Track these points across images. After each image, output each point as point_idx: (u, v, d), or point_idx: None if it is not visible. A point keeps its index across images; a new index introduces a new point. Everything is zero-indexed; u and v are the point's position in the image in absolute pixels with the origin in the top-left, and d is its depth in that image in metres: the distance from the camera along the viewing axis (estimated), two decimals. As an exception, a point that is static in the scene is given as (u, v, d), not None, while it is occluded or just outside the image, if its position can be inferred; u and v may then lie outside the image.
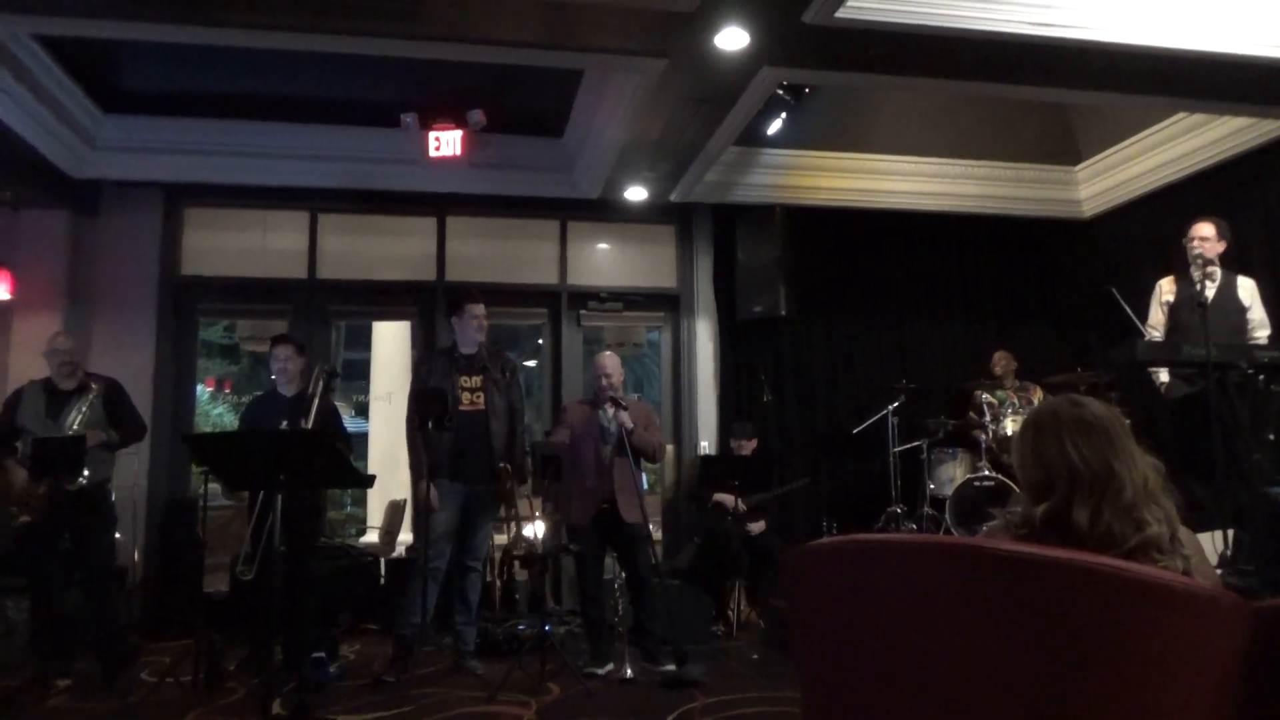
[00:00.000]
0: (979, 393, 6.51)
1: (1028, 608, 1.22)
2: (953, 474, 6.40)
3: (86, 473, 4.46)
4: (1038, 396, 6.38)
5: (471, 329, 4.92)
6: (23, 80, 5.36)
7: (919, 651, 1.35)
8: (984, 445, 6.23)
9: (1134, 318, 4.93)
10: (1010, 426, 6.14)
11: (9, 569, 4.71)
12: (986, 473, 6.06)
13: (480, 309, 4.95)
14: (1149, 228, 6.75)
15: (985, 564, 1.28)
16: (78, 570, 4.54)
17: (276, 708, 3.55)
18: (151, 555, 6.18)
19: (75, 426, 4.55)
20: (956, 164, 7.35)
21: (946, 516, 6.00)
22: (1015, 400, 6.38)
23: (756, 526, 5.95)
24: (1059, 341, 7.41)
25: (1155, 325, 4.93)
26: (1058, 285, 7.68)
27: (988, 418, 6.33)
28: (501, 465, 4.79)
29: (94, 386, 4.69)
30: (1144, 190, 6.97)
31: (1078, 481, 1.62)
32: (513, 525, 6.00)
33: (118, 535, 5.06)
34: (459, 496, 4.74)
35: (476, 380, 4.88)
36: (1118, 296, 4.89)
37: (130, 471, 5.74)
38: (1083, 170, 7.55)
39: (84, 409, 4.60)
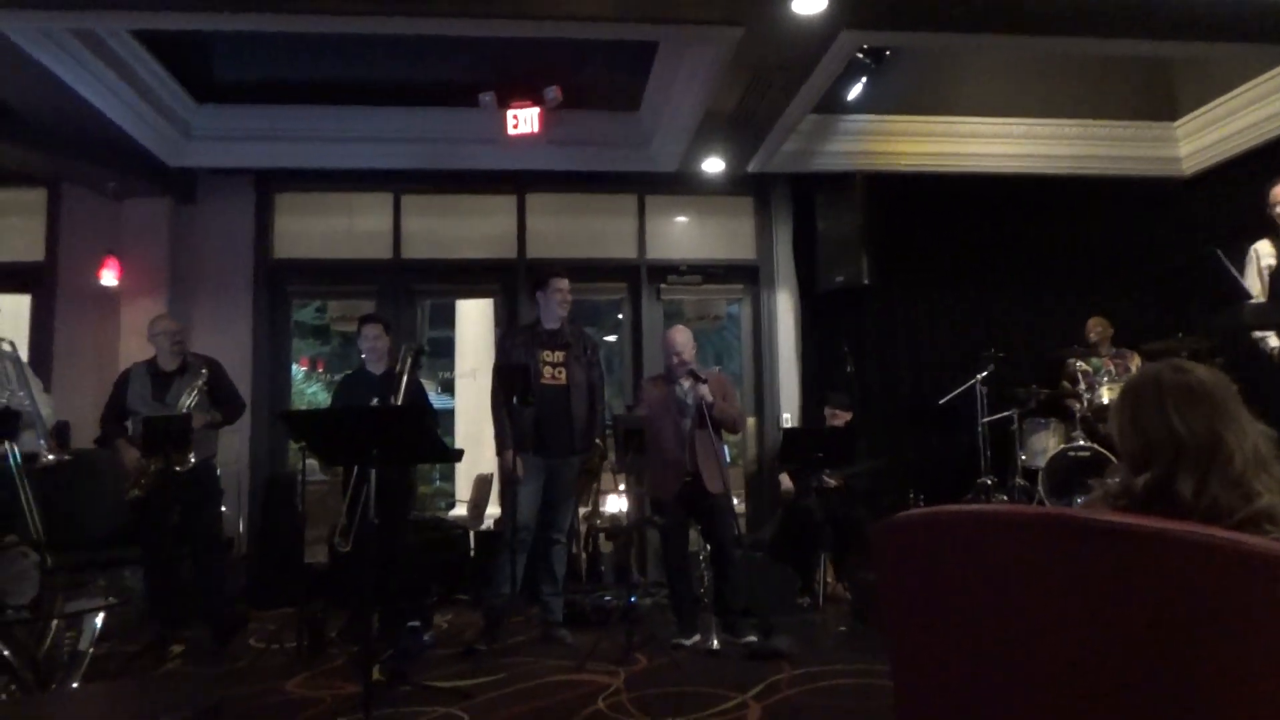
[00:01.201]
0: (1073, 361, 6.31)
1: (1132, 582, 1.18)
2: (1045, 444, 6.23)
3: (193, 458, 4.68)
4: (1135, 364, 6.15)
5: (555, 303, 4.97)
6: (122, 75, 5.61)
7: (1014, 625, 1.33)
8: (1078, 415, 6.04)
9: (1239, 280, 4.69)
10: (1106, 395, 5.94)
11: (125, 541, 4.97)
12: (1081, 443, 5.88)
13: (564, 284, 5.00)
14: (1254, 185, 6.39)
15: (1086, 536, 1.25)
16: (188, 542, 4.78)
17: (376, 673, 3.69)
18: (255, 528, 6.47)
19: (188, 407, 4.77)
20: (1046, 124, 7.09)
21: (1039, 488, 5.85)
22: (1111, 368, 6.16)
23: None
24: (1157, 306, 7.11)
25: (1255, 291, 4.68)
26: (1156, 248, 7.33)
27: (1082, 386, 6.13)
28: (596, 441, 4.87)
29: (203, 371, 4.90)
30: (1249, 145, 6.63)
31: (1182, 451, 1.56)
32: (596, 498, 6.11)
33: (223, 509, 5.30)
34: (542, 470, 4.82)
35: (559, 355, 4.94)
36: (1222, 258, 4.66)
37: (233, 448, 6.01)
38: (1182, 126, 7.20)
39: (194, 390, 4.81)
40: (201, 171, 6.86)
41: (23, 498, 3.92)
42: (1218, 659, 1.14)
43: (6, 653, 3.12)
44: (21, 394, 4.23)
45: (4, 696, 3.10)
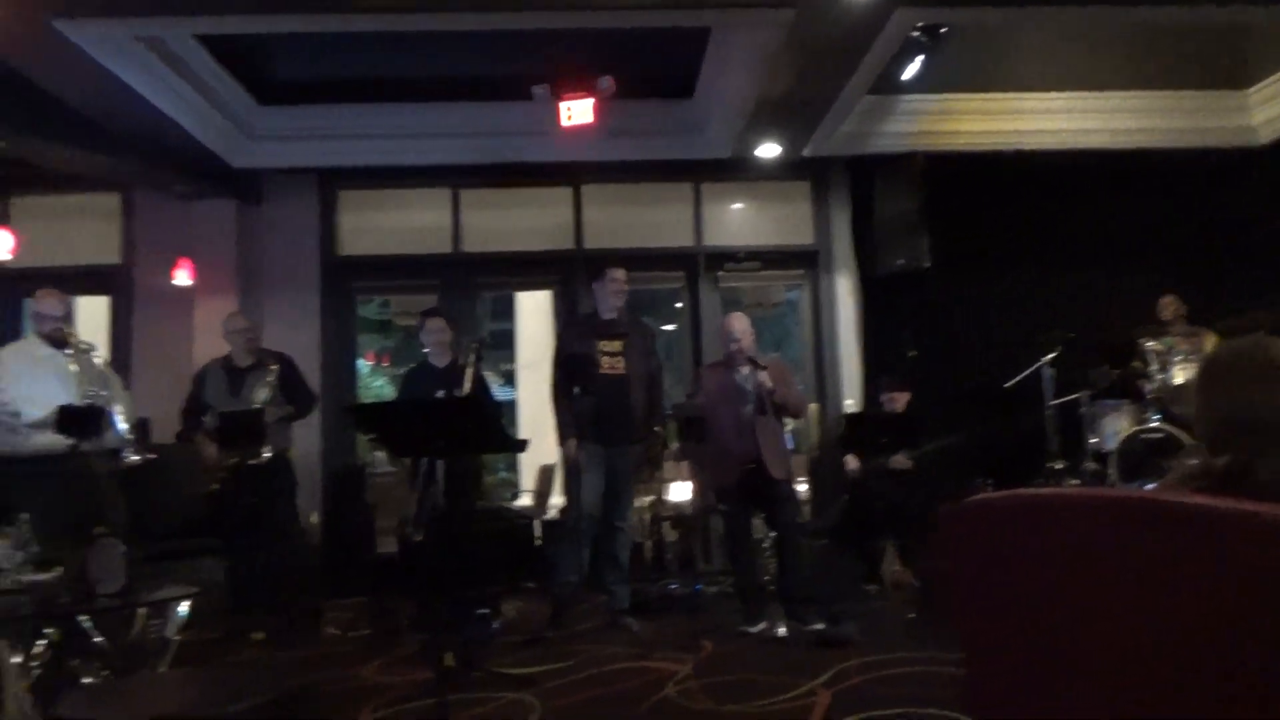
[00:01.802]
0: (1144, 340, 6.12)
1: (1216, 565, 1.16)
2: (1117, 427, 6.06)
3: (267, 453, 4.81)
4: (1209, 342, 5.95)
5: (611, 293, 5.00)
6: (188, 79, 5.76)
7: (1089, 611, 1.31)
8: (1150, 396, 5.87)
9: (1322, 250, 4.52)
10: (1179, 375, 5.76)
11: (204, 533, 5.14)
12: (1154, 424, 5.71)
13: (620, 274, 5.02)
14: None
15: (1166, 519, 1.22)
16: (264, 533, 4.92)
17: (447, 660, 3.76)
18: (327, 519, 6.63)
19: (261, 401, 4.91)
20: (1111, 96, 6.88)
21: (1111, 471, 5.71)
22: (1185, 347, 5.96)
23: (899, 461, 5.82)
24: (1233, 281, 6.86)
25: None
26: (1230, 220, 7.07)
27: (1154, 366, 5.95)
28: (656, 429, 4.90)
29: (272, 366, 5.04)
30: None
31: (1263, 431, 1.52)
32: (660, 486, 6.12)
33: (297, 501, 5.44)
34: (602, 459, 4.86)
35: (617, 345, 4.96)
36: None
37: (305, 441, 6.15)
38: (1256, 93, 6.94)
39: (266, 385, 4.95)
40: (266, 172, 7.02)
41: (110, 492, 4.08)
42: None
43: (99, 638, 3.26)
44: (105, 394, 4.39)
45: (98, 680, 3.25)
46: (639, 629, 4.70)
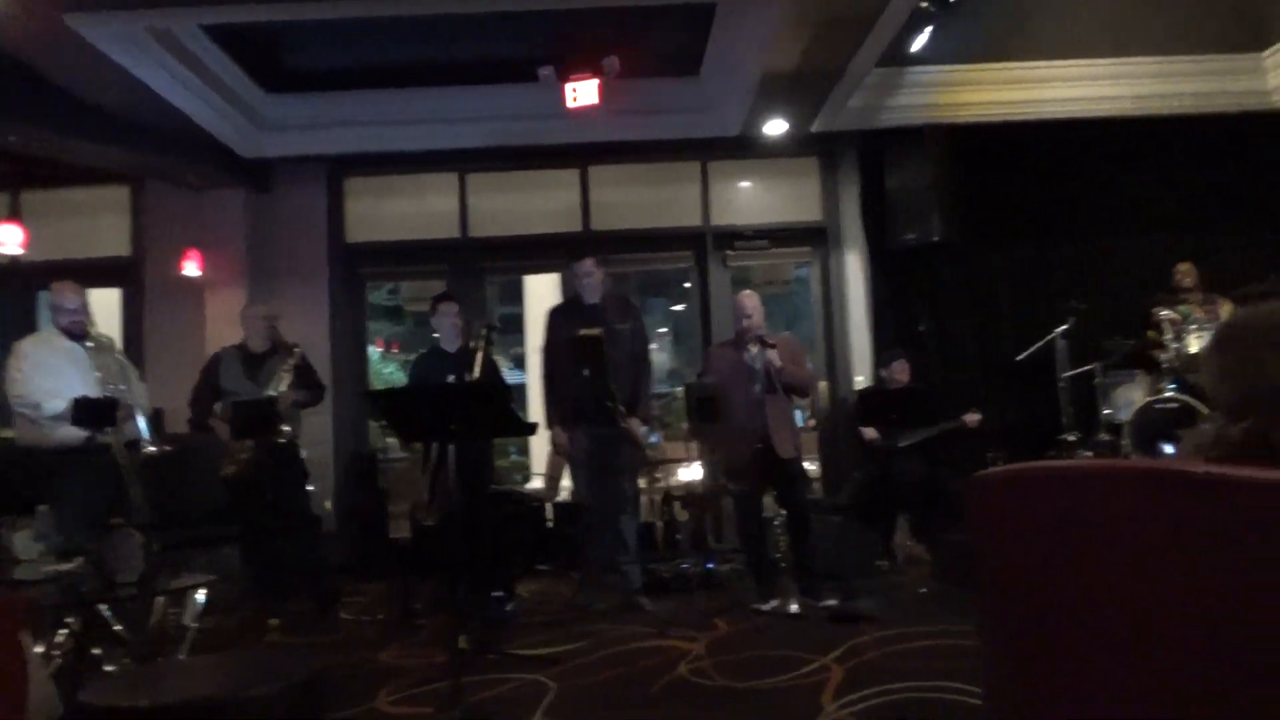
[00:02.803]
0: (1158, 309, 6.07)
1: (1234, 534, 1.15)
2: (1131, 397, 6.03)
3: (286, 428, 4.85)
4: (1226, 310, 5.89)
5: (583, 287, 5.03)
6: (196, 71, 5.75)
7: (1109, 581, 1.30)
8: (1165, 365, 5.83)
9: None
10: (1194, 343, 5.71)
11: (222, 520, 5.18)
12: (1169, 394, 5.67)
13: (584, 266, 5.04)
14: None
15: (1185, 487, 1.21)
16: (282, 519, 4.95)
17: (462, 642, 3.79)
18: (341, 505, 6.67)
19: (282, 387, 4.93)
20: (1126, 63, 6.79)
21: (1125, 442, 5.68)
22: (1201, 315, 5.91)
23: (971, 419, 5.86)
24: (1254, 247, 6.77)
25: None
26: (1249, 186, 6.97)
27: (1168, 335, 5.90)
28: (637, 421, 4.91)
29: (296, 349, 5.07)
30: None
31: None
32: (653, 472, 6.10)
33: (310, 487, 5.47)
34: (591, 441, 4.89)
35: (596, 332, 4.95)
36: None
37: (317, 428, 6.17)
38: (1272, 56, 6.82)
39: (287, 369, 4.98)
40: (275, 160, 7.02)
41: (130, 483, 4.10)
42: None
43: (119, 627, 3.30)
44: (123, 388, 4.42)
45: (120, 668, 3.28)
46: (652, 608, 4.71)
